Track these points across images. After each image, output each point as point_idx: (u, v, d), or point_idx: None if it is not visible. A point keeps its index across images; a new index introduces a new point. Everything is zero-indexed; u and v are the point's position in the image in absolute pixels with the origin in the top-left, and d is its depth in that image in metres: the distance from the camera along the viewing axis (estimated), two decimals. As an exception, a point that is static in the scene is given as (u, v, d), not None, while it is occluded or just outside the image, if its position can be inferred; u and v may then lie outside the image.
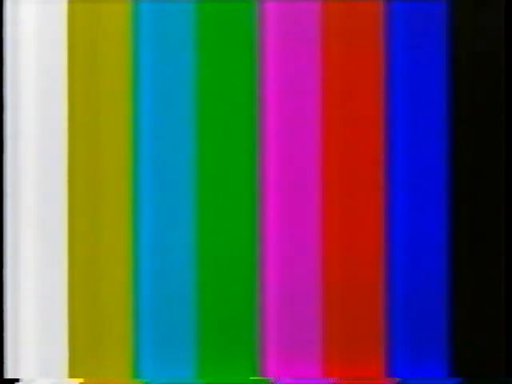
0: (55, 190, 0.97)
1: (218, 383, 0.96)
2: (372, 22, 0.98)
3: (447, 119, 0.97)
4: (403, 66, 0.97)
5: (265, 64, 0.98)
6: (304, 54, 0.97)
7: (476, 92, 0.97)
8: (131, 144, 0.97)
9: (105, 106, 0.97)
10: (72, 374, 0.97)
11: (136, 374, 0.97)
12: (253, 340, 0.97)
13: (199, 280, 0.97)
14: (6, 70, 0.98)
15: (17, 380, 0.97)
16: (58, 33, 0.98)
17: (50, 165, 0.97)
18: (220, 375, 0.97)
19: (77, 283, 0.97)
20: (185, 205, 0.97)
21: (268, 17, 0.98)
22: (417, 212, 0.97)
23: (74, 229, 0.97)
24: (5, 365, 0.97)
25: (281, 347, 0.97)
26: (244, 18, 0.98)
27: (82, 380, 0.97)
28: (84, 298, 0.97)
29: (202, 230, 0.97)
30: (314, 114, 0.97)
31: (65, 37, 0.98)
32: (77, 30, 0.98)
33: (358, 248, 0.97)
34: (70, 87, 0.97)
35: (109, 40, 0.98)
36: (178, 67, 0.97)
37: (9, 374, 0.97)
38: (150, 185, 0.97)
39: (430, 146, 0.97)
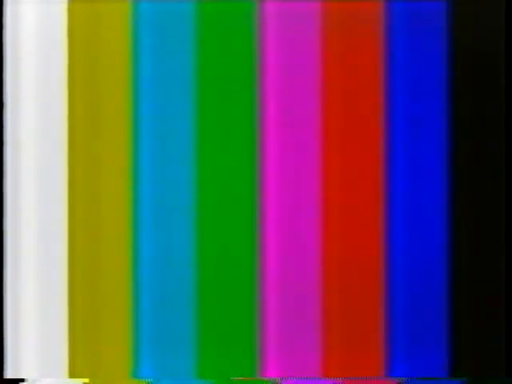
0: (55, 192, 0.97)
1: (217, 383, 0.97)
2: (372, 22, 0.98)
3: (447, 119, 0.97)
4: (403, 66, 0.97)
5: (265, 64, 0.98)
6: (304, 54, 0.98)
7: (476, 92, 0.97)
8: (131, 143, 0.98)
9: (105, 105, 0.97)
10: (72, 374, 0.97)
11: (136, 373, 0.97)
12: (253, 339, 0.97)
13: (199, 280, 0.97)
14: (6, 70, 0.98)
15: (20, 380, 0.97)
16: (58, 33, 0.98)
17: (50, 165, 0.97)
18: (220, 375, 0.97)
19: (77, 283, 0.97)
20: (185, 203, 0.97)
21: (268, 17, 0.98)
22: (417, 210, 0.97)
23: (73, 229, 0.97)
24: (5, 365, 0.97)
25: (281, 347, 0.97)
26: (244, 18, 0.98)
27: (87, 380, 0.97)
28: (84, 298, 0.97)
29: (201, 229, 0.97)
30: (314, 114, 0.97)
31: (65, 37, 0.98)
32: (77, 30, 0.98)
33: (358, 248, 0.97)
34: (70, 87, 0.97)
35: (109, 40, 0.98)
36: (178, 67, 0.97)
37: (9, 374, 0.97)
38: (150, 184, 0.97)
39: (430, 146, 0.97)
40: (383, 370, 0.97)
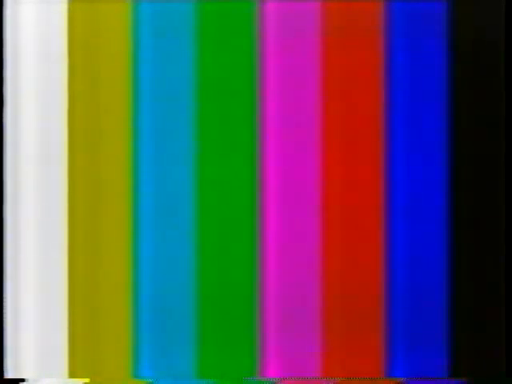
0: (55, 192, 0.97)
1: (218, 383, 0.97)
2: (372, 22, 0.97)
3: (447, 119, 0.97)
4: (403, 66, 0.97)
5: (265, 64, 0.98)
6: (304, 54, 0.97)
7: (476, 92, 0.97)
8: (131, 144, 0.97)
9: (105, 105, 0.97)
10: (72, 374, 0.97)
11: (136, 373, 0.97)
12: (253, 339, 0.97)
13: (199, 280, 0.97)
14: (6, 70, 0.98)
15: (20, 380, 0.97)
16: (58, 33, 0.98)
17: (50, 165, 0.97)
18: (220, 375, 0.97)
19: (77, 283, 0.97)
20: (185, 203, 0.97)
21: (268, 17, 0.98)
22: (417, 210, 0.97)
23: (73, 229, 0.97)
24: (5, 365, 0.97)
25: (281, 347, 0.97)
26: (244, 18, 0.98)
27: (87, 380, 0.97)
28: (84, 298, 0.97)
29: (202, 229, 0.97)
30: (314, 114, 0.97)
31: (65, 37, 0.98)
32: (77, 30, 0.98)
33: (359, 248, 0.97)
34: (70, 87, 0.97)
35: (109, 40, 0.98)
36: (178, 67, 0.97)
37: (9, 374, 0.97)
38: (151, 185, 0.97)
39: (430, 146, 0.97)
40: (383, 370, 0.97)
